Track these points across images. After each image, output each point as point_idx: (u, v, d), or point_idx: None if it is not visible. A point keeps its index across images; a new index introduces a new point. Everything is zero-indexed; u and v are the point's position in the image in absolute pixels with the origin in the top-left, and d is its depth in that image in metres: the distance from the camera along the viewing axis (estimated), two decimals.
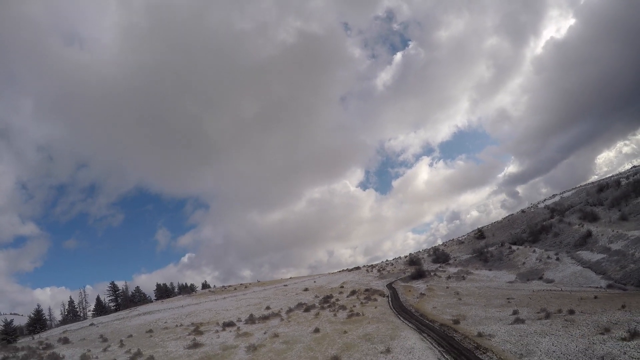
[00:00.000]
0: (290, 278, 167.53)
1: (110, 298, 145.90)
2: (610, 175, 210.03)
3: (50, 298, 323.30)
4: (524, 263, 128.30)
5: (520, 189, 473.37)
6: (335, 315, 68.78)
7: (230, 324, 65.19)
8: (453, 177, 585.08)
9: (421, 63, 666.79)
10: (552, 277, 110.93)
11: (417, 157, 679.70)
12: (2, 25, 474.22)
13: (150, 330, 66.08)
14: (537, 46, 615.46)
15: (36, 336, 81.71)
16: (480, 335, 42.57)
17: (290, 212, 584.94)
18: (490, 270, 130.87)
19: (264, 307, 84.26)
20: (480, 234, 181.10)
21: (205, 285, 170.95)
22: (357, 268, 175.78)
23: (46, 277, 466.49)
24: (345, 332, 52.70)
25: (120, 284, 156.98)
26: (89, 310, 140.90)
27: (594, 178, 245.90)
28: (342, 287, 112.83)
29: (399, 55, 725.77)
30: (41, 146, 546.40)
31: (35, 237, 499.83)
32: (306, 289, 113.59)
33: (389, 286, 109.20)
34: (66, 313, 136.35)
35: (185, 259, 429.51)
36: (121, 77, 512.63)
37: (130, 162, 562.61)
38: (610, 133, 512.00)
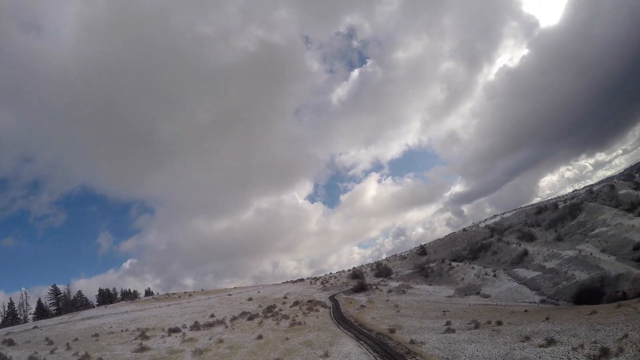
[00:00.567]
0: (235, 288, 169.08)
1: (52, 301, 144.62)
2: (551, 198, 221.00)
3: None
4: (462, 279, 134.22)
5: (465, 208, 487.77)
6: (278, 323, 71.77)
7: (175, 330, 67.33)
8: (400, 194, 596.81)
9: (377, 81, 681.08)
10: (489, 292, 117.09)
11: (367, 173, 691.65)
12: None
13: (96, 335, 67.44)
14: (490, 73, 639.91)
15: None
16: (412, 342, 46.46)
17: (237, 221, 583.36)
18: (430, 285, 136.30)
19: (208, 314, 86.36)
20: (422, 250, 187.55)
21: (148, 292, 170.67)
22: (301, 280, 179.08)
23: None
24: (287, 338, 55.93)
25: (62, 288, 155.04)
26: (30, 313, 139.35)
27: (537, 200, 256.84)
28: (285, 297, 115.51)
29: (356, 72, 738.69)
30: None
31: None
32: (250, 299, 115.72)
33: (332, 298, 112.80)
34: (5, 315, 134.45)
35: (127, 265, 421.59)
36: (76, 71, 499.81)
37: (77, 160, 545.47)
38: (554, 158, 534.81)
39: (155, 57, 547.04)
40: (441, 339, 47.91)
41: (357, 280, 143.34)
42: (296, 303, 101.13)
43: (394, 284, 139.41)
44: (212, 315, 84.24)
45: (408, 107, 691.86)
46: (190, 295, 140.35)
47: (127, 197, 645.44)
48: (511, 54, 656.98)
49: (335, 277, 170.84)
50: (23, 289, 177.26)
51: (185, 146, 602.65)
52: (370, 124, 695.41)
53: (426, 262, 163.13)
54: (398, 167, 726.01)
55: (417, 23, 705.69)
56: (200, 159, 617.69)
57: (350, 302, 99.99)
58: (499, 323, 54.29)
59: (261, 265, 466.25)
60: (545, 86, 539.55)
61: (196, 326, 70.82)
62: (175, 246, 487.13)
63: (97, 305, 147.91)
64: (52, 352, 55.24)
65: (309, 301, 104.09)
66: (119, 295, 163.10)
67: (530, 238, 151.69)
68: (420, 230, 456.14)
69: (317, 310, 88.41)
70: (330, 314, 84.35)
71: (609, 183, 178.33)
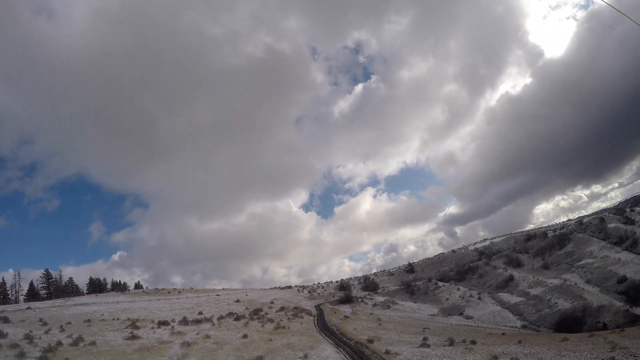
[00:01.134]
0: (223, 289, 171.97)
1: (43, 285, 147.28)
2: (543, 226, 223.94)
3: None
4: (447, 299, 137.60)
5: (458, 230, 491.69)
6: (263, 326, 75.21)
7: (165, 323, 70.63)
8: (395, 211, 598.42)
9: (380, 97, 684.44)
10: (472, 314, 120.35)
11: (363, 187, 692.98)
12: None
13: (89, 320, 70.61)
14: (492, 98, 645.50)
15: None
16: (387, 352, 49.93)
17: (230, 223, 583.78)
18: (415, 302, 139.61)
19: (196, 312, 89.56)
20: (410, 268, 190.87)
21: (138, 286, 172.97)
22: (289, 287, 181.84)
23: None
24: (270, 340, 59.44)
25: (53, 273, 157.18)
26: (21, 295, 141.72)
27: (530, 227, 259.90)
28: (272, 302, 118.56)
29: (360, 87, 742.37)
30: None
31: None
32: (238, 301, 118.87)
33: (317, 307, 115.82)
34: None
35: (116, 257, 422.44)
36: (83, 59, 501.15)
37: (76, 147, 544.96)
38: (550, 187, 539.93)
39: (162, 53, 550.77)
40: (415, 352, 51.36)
41: (344, 292, 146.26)
42: (282, 308, 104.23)
43: (379, 298, 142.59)
44: (200, 313, 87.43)
45: (408, 125, 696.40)
46: (179, 292, 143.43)
47: (122, 189, 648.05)
48: (514, 82, 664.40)
49: (323, 287, 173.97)
50: (16, 269, 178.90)
51: (185, 144, 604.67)
52: (370, 139, 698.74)
53: (413, 280, 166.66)
54: (394, 184, 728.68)
55: (424, 44, 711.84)
56: (198, 159, 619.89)
57: (335, 312, 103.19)
58: (473, 342, 57.68)
59: (250, 269, 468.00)
60: (545, 115, 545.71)
61: (184, 321, 74.16)
62: (166, 243, 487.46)
63: (87, 293, 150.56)
64: (46, 332, 58.50)
65: (295, 308, 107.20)
66: (109, 286, 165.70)
67: (517, 264, 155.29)
68: (412, 248, 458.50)
69: (302, 317, 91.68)
70: (314, 321, 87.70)
71: (599, 216, 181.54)
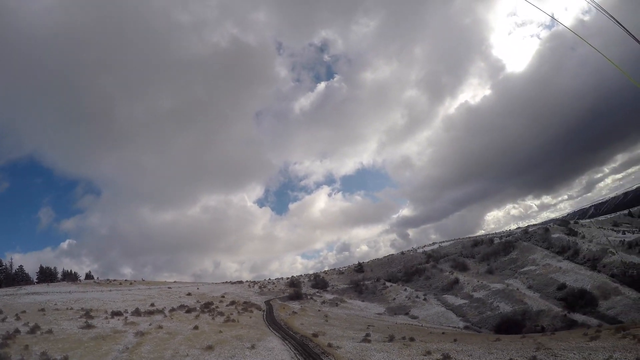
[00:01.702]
0: (175, 282, 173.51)
1: None
2: (494, 232, 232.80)
3: None
4: (394, 299, 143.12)
5: (411, 232, 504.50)
6: (213, 318, 78.48)
7: (118, 313, 73.05)
8: (349, 210, 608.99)
9: (342, 97, 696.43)
10: (417, 314, 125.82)
11: (319, 185, 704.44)
12: None
13: (43, 310, 72.50)
14: (451, 106, 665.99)
15: None
16: (329, 345, 54.00)
17: (183, 215, 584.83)
18: (363, 301, 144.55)
19: (148, 303, 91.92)
20: (360, 267, 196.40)
21: (89, 276, 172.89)
22: (240, 282, 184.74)
23: None
24: (220, 331, 63.05)
25: (4, 261, 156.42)
26: None
27: (481, 232, 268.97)
28: (223, 297, 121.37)
29: (322, 85, 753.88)
30: None
31: None
32: (189, 294, 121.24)
33: (267, 302, 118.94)
34: None
35: (65, 245, 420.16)
36: (44, 34, 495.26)
37: (29, 127, 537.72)
38: (501, 195, 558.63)
39: (127, 36, 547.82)
40: (356, 346, 55.58)
41: (294, 289, 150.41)
42: (232, 303, 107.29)
43: (328, 296, 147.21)
44: (152, 305, 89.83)
45: (367, 127, 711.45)
46: (131, 284, 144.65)
47: (74, 174, 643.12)
48: (474, 92, 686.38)
49: (274, 284, 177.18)
50: None
51: (142, 131, 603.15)
52: (328, 138, 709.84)
53: (362, 280, 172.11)
54: (350, 184, 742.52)
55: (390, 48, 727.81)
56: (154, 146, 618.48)
57: (284, 308, 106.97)
58: (412, 339, 62.14)
59: (202, 263, 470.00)
60: (501, 127, 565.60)
61: (137, 312, 76.75)
62: (117, 232, 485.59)
63: (37, 282, 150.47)
64: (2, 320, 60.54)
65: (245, 302, 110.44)
66: (59, 276, 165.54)
67: (463, 268, 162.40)
68: (364, 247, 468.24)
69: (252, 312, 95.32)
70: (263, 316, 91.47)
71: (544, 226, 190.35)
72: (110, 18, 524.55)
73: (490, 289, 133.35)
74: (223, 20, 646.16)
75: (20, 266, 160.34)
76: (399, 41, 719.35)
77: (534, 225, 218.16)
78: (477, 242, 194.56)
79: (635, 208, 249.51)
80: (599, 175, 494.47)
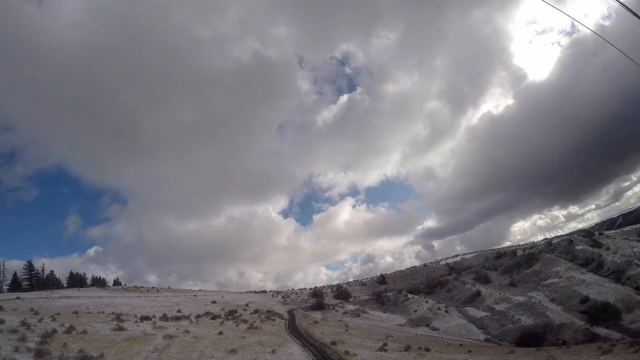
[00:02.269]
0: (200, 290, 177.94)
1: (25, 277, 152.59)
2: (521, 243, 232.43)
3: None
4: (416, 310, 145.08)
5: (436, 243, 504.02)
6: (237, 325, 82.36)
7: (147, 318, 77.41)
8: (373, 222, 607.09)
9: (364, 109, 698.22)
10: (438, 326, 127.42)
11: (342, 197, 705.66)
12: None
13: (76, 312, 77.21)
14: (474, 117, 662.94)
15: None
16: (346, 353, 57.43)
17: (207, 225, 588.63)
18: (384, 312, 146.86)
19: (175, 310, 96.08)
20: (382, 279, 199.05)
21: (116, 282, 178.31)
22: (264, 292, 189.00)
23: None
24: (243, 337, 67.00)
25: (36, 265, 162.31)
26: (5, 285, 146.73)
27: (507, 244, 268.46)
28: (247, 305, 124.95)
29: (344, 97, 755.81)
30: None
31: None
32: (214, 302, 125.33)
33: (290, 312, 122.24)
34: None
35: (91, 252, 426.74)
36: (70, 49, 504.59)
37: (57, 138, 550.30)
38: (527, 206, 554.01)
39: (150, 51, 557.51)
40: (372, 354, 58.87)
41: (316, 299, 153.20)
42: (256, 311, 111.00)
43: (350, 307, 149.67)
44: (179, 311, 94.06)
45: (390, 138, 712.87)
46: (157, 291, 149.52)
47: (101, 183, 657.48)
48: (496, 102, 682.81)
49: (297, 294, 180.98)
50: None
51: (167, 143, 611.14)
52: (352, 150, 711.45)
53: (384, 291, 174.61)
54: (374, 195, 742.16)
55: (410, 60, 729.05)
56: (179, 158, 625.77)
57: (306, 317, 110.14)
58: (427, 350, 65.07)
59: (226, 272, 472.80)
60: (525, 136, 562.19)
61: (165, 318, 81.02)
62: (143, 241, 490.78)
63: (67, 286, 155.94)
64: (39, 320, 65.06)
65: (268, 311, 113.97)
66: (88, 281, 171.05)
67: (486, 280, 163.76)
68: (389, 259, 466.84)
69: (274, 320, 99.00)
70: (285, 324, 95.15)
71: (568, 238, 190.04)
72: (134, 34, 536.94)
73: (512, 302, 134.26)
74: (244, 35, 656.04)
75: (51, 271, 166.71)
76: (419, 53, 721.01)
77: (560, 236, 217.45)
78: (500, 254, 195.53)
79: None
80: (627, 183, 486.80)
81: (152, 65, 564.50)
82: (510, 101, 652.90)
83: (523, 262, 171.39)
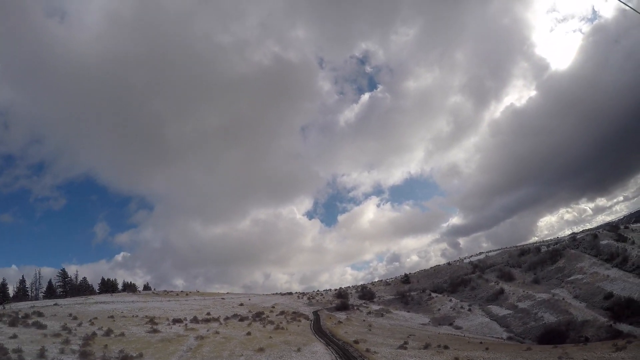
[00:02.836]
0: (227, 293, 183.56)
1: (59, 284, 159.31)
2: (548, 239, 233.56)
3: None
4: (439, 309, 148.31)
5: (461, 241, 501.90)
6: (264, 326, 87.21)
7: (178, 321, 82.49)
8: (398, 220, 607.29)
9: (386, 107, 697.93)
10: (462, 324, 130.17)
11: (367, 196, 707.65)
12: None
13: (112, 317, 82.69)
14: (497, 110, 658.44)
15: (6, 306, 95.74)
16: (367, 350, 61.65)
17: (233, 228, 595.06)
18: (408, 312, 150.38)
19: (205, 312, 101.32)
20: (406, 279, 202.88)
21: (146, 287, 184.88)
22: (290, 294, 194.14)
23: None
24: (270, 337, 71.89)
25: (69, 272, 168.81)
26: (41, 292, 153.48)
27: (535, 239, 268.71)
28: (273, 307, 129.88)
29: (366, 96, 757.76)
30: None
31: None
32: (242, 304, 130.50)
33: (315, 313, 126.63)
34: (17, 291, 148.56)
35: (119, 257, 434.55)
36: (94, 61, 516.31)
37: (84, 148, 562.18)
38: (554, 200, 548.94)
39: (172, 59, 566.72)
40: (392, 352, 62.99)
41: (341, 300, 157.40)
42: (282, 313, 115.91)
43: (374, 307, 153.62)
44: (208, 314, 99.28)
45: (413, 136, 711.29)
46: (187, 295, 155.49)
47: (128, 191, 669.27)
48: (519, 94, 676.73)
49: (322, 295, 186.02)
50: (12, 266, 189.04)
51: (191, 148, 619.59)
52: (375, 149, 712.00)
53: (408, 290, 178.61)
54: (398, 194, 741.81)
55: (430, 55, 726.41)
56: (204, 163, 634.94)
57: (330, 318, 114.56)
58: (446, 347, 68.79)
59: (252, 275, 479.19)
60: (550, 128, 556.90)
61: (195, 320, 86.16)
62: (170, 245, 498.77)
63: (99, 292, 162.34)
64: (79, 325, 70.37)
65: (294, 312, 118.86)
66: (119, 286, 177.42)
67: (509, 278, 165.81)
68: (415, 258, 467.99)
69: (300, 321, 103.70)
70: (310, 325, 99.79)
71: (592, 232, 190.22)
72: (157, 44, 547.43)
73: (536, 299, 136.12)
74: (264, 39, 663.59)
75: (84, 278, 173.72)
76: (439, 47, 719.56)
77: (586, 230, 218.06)
78: (524, 251, 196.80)
79: None
80: None
81: (176, 73, 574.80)
82: (533, 92, 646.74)
83: (547, 258, 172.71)
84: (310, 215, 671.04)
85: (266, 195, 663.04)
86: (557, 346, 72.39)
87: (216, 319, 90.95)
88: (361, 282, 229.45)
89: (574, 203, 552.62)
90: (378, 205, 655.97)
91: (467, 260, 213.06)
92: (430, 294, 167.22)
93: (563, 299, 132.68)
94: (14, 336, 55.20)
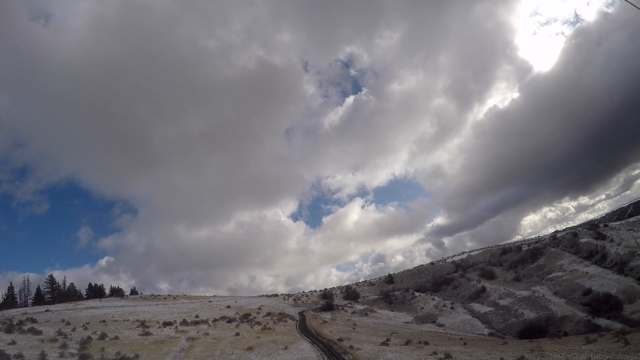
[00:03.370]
0: (214, 296, 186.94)
1: (47, 290, 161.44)
2: (532, 237, 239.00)
3: None
4: (422, 308, 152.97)
5: (446, 240, 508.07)
6: (252, 327, 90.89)
7: (169, 324, 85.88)
8: (382, 222, 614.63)
9: (370, 110, 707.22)
10: (444, 322, 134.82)
11: (351, 198, 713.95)
12: None
13: (103, 321, 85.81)
14: (480, 112, 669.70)
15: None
16: (351, 347, 65.58)
17: (217, 231, 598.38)
18: (392, 311, 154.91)
19: (193, 315, 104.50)
20: (390, 279, 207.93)
21: (133, 292, 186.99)
22: (275, 295, 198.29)
23: None
24: (258, 337, 75.85)
25: (55, 278, 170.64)
26: (29, 299, 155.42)
27: (518, 238, 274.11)
28: (259, 308, 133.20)
29: (350, 99, 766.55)
30: None
31: None
32: (228, 307, 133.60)
33: (300, 313, 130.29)
34: (5, 298, 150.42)
35: (103, 262, 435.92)
36: (78, 65, 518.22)
37: (67, 152, 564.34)
38: (537, 199, 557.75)
39: (156, 63, 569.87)
40: (375, 348, 66.96)
41: (326, 301, 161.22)
42: (269, 314, 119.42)
43: (359, 306, 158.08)
44: (197, 316, 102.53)
45: (397, 137, 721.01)
46: (174, 299, 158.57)
47: (111, 195, 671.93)
48: (502, 96, 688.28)
49: (307, 296, 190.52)
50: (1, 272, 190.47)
51: (176, 152, 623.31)
52: (359, 151, 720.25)
53: (392, 290, 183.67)
54: (382, 195, 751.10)
55: (414, 59, 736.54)
56: (188, 167, 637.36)
57: (315, 318, 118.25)
58: (426, 343, 72.78)
59: (238, 277, 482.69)
60: (532, 129, 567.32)
61: (185, 323, 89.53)
62: (154, 249, 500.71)
63: (87, 297, 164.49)
64: (73, 330, 73.55)
65: (280, 313, 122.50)
66: (107, 291, 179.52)
67: (491, 276, 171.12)
68: (400, 258, 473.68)
69: (286, 321, 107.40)
70: (296, 325, 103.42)
71: (572, 231, 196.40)
72: (140, 48, 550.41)
73: (516, 297, 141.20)
74: (248, 43, 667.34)
75: (72, 283, 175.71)
76: (423, 51, 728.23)
77: (568, 228, 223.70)
78: (505, 250, 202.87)
79: None
80: (637, 171, 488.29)
81: (160, 77, 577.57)
82: (516, 94, 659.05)
83: (528, 257, 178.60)
84: (295, 217, 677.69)
85: (251, 198, 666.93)
86: (533, 340, 75.75)
87: (205, 321, 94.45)
88: (346, 283, 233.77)
89: (557, 202, 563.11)
90: (363, 207, 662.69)
91: (450, 260, 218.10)
92: (413, 294, 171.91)
93: (543, 295, 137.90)
94: (13, 342, 58.10)
